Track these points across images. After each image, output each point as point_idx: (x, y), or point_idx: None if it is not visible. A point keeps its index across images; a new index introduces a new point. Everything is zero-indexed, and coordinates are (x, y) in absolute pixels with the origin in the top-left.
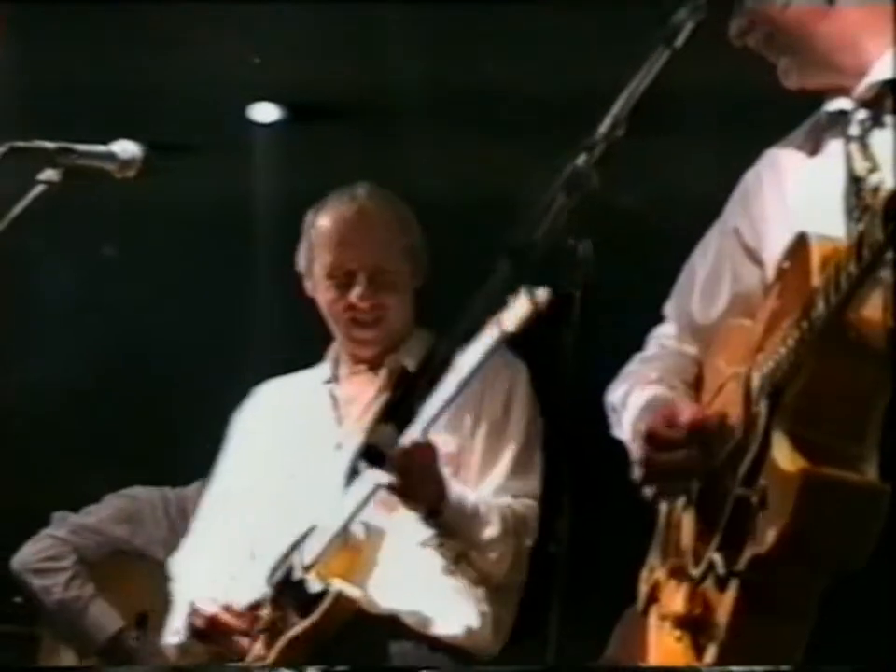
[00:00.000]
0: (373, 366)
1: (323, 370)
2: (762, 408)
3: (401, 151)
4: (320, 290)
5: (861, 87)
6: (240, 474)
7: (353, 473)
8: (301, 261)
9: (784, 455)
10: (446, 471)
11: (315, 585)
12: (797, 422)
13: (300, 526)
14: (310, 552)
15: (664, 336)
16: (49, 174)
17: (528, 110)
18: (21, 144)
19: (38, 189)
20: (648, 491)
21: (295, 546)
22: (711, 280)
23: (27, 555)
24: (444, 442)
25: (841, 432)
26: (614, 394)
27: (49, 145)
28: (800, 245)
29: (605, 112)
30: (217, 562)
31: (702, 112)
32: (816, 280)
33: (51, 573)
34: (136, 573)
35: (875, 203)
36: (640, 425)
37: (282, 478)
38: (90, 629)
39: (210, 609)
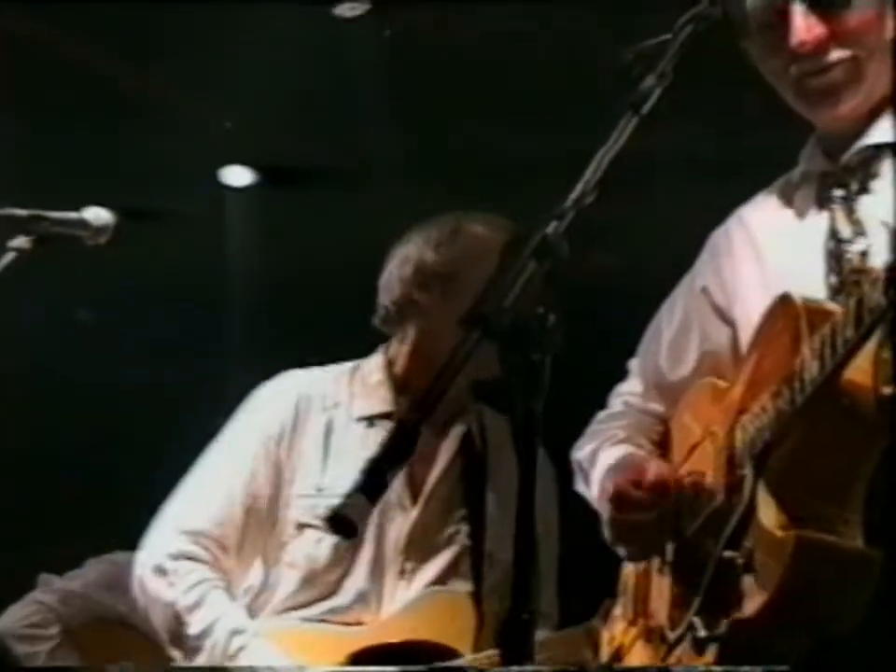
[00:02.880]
0: (442, 414)
1: (372, 391)
2: (747, 470)
3: (375, 215)
4: (464, 299)
5: (853, 150)
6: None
7: None
8: (434, 267)
9: (772, 519)
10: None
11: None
12: (785, 484)
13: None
14: None
15: (628, 394)
16: (21, 241)
17: (502, 174)
18: None
19: (9, 257)
20: (619, 551)
21: None
22: (679, 339)
23: (12, 620)
24: (507, 550)
25: (829, 496)
26: (581, 452)
27: (21, 212)
28: (784, 305)
29: (579, 176)
30: None
31: (672, 174)
32: (806, 342)
33: (36, 640)
34: (119, 640)
35: (865, 268)
36: (608, 484)
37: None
38: None
39: None
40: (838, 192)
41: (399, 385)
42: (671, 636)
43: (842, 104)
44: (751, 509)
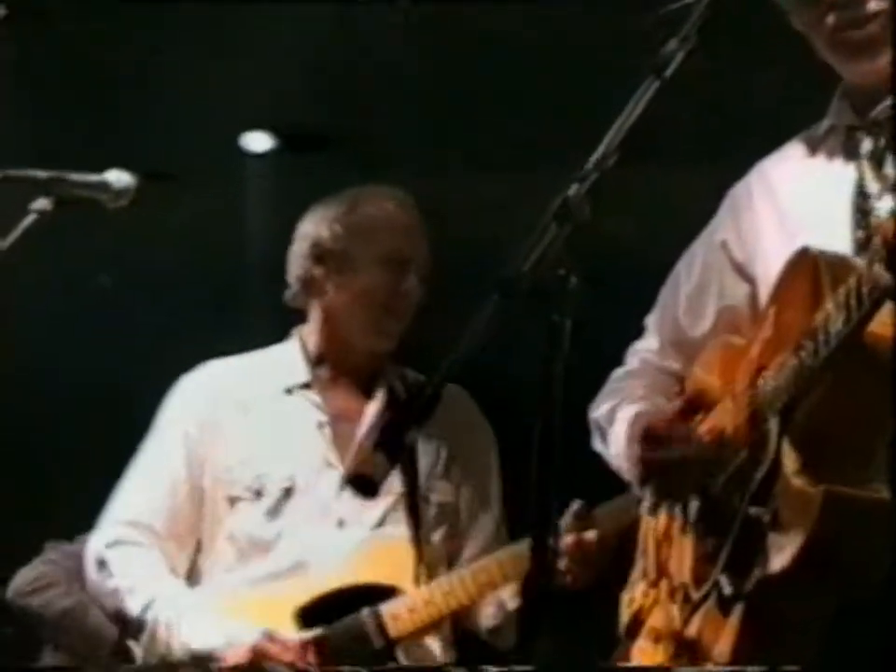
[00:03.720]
0: (361, 380)
1: (288, 367)
2: (771, 426)
3: (393, 181)
4: (361, 276)
5: (884, 104)
6: (215, 474)
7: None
8: (325, 242)
9: (798, 474)
10: (444, 522)
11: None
12: (810, 439)
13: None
14: (391, 614)
15: (645, 351)
16: (42, 203)
17: (521, 141)
18: (13, 172)
19: (30, 219)
20: (647, 493)
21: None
22: (697, 294)
23: (19, 583)
24: (445, 492)
25: (855, 450)
26: (598, 410)
27: (42, 174)
28: (804, 258)
29: (597, 142)
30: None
31: (695, 139)
32: (828, 295)
33: (46, 588)
34: None
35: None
36: (636, 429)
37: (275, 491)
38: (98, 630)
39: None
40: (866, 146)
41: (314, 359)
42: (696, 595)
43: (879, 57)
44: (776, 465)
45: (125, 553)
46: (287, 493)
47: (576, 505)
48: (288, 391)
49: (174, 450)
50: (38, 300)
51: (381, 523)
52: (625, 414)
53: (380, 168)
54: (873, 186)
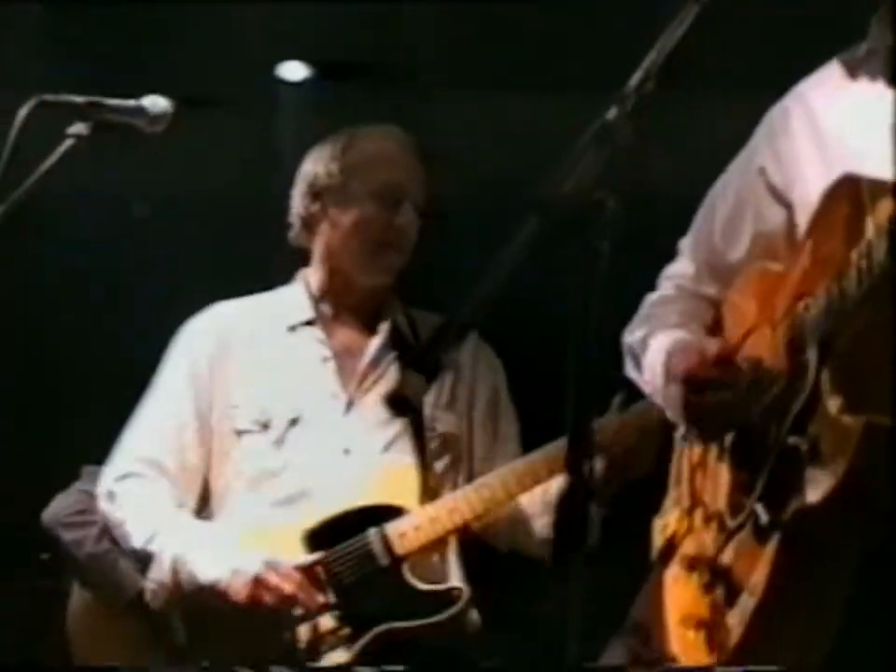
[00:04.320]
0: (364, 316)
1: (292, 306)
2: (811, 355)
3: (429, 109)
4: (354, 210)
5: None
6: (223, 410)
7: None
8: (320, 179)
9: (838, 404)
10: (447, 453)
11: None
12: (851, 370)
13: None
14: (397, 532)
15: (680, 276)
16: (79, 127)
17: (556, 65)
18: (50, 97)
19: (67, 143)
20: (694, 433)
21: (344, 522)
22: (732, 219)
23: (57, 510)
24: (448, 423)
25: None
26: (632, 336)
27: (79, 98)
28: (848, 185)
29: (635, 66)
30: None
31: (735, 64)
32: (872, 223)
33: (82, 526)
34: None
35: None
36: (676, 368)
37: (281, 423)
38: (121, 581)
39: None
40: None
41: (317, 297)
42: (731, 523)
43: None
44: (816, 394)
45: (133, 485)
46: (293, 423)
47: (619, 396)
48: (292, 328)
49: (182, 388)
50: (74, 224)
51: (386, 449)
52: (659, 344)
53: (414, 97)
54: None
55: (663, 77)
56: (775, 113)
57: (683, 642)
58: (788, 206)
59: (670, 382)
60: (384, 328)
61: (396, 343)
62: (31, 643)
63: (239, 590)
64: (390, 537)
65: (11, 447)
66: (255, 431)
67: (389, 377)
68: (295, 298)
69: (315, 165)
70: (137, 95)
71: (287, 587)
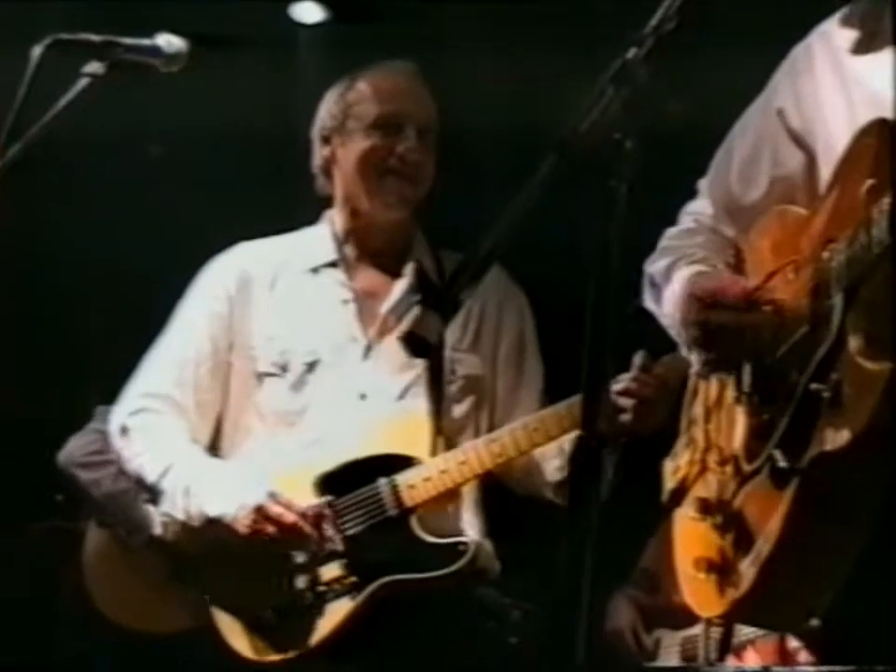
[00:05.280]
0: (389, 258)
1: (316, 248)
2: (836, 301)
3: (446, 51)
4: (354, 144)
5: None
6: (244, 350)
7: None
8: (326, 123)
9: (863, 351)
10: (470, 394)
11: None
12: (877, 317)
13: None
14: (406, 483)
15: (699, 213)
16: (94, 66)
17: (579, 9)
18: (65, 36)
19: (83, 82)
20: (697, 355)
21: (354, 470)
22: (750, 162)
23: (73, 450)
24: (471, 365)
25: None
26: (654, 266)
27: (95, 37)
28: (878, 130)
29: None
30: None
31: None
32: None
33: (99, 466)
34: None
35: None
36: (696, 288)
37: (300, 365)
38: (139, 520)
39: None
40: None
41: (341, 239)
42: (747, 467)
43: None
44: (840, 340)
45: (147, 420)
46: (311, 367)
47: (640, 355)
48: (315, 270)
49: (201, 326)
50: (89, 164)
51: (402, 395)
52: (684, 274)
53: (430, 40)
54: None
55: (683, 17)
56: (798, 51)
57: (694, 585)
58: (807, 149)
59: (689, 304)
60: (408, 270)
61: (421, 285)
62: (48, 584)
63: (244, 523)
64: (400, 487)
65: (23, 387)
66: (275, 374)
67: (409, 320)
68: (319, 239)
69: (322, 111)
70: (153, 34)
71: (289, 516)
